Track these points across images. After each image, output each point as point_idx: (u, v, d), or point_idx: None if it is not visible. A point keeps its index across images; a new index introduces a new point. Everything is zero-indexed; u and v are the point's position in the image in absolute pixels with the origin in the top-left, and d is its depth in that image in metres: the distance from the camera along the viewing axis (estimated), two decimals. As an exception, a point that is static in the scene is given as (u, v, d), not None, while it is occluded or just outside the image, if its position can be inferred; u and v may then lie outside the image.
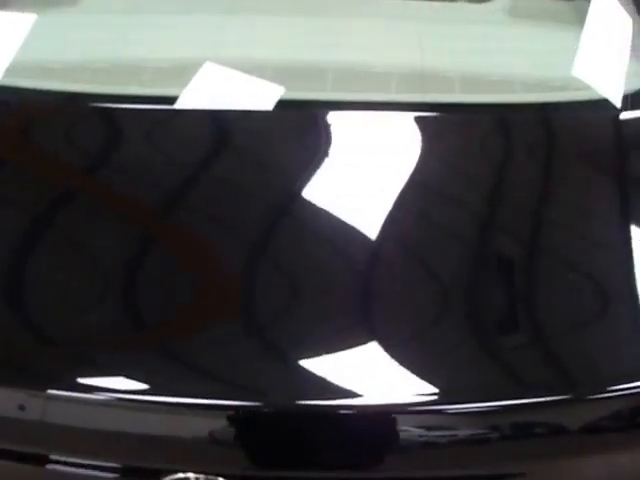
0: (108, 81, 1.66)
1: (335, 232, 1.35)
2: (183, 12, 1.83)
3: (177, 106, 1.54)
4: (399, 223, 1.37)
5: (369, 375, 1.14)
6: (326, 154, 1.49)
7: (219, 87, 1.59)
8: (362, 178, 1.47)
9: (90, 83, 1.65)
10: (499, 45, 1.81)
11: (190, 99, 1.55)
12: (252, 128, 1.53)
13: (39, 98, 1.60)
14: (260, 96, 1.56)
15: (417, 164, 1.48)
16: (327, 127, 1.55)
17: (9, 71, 1.63)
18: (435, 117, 1.58)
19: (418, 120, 1.56)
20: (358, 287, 1.29)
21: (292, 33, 1.79)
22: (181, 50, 1.72)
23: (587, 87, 1.65)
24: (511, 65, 1.75)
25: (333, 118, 1.55)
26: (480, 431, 1.14)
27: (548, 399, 1.14)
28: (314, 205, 1.38)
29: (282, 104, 1.55)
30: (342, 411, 1.12)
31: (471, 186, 1.46)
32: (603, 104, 1.61)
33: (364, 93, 1.66)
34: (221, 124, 1.56)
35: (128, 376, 1.13)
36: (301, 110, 1.57)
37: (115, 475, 1.14)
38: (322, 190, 1.41)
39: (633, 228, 1.39)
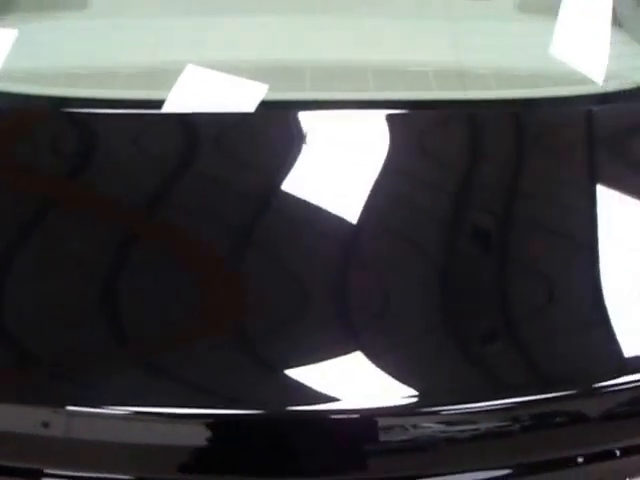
0: (107, 85, 1.65)
1: (335, 239, 1.35)
2: (183, 14, 1.82)
3: (169, 110, 1.53)
4: (423, 229, 1.38)
5: (361, 379, 1.14)
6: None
7: (230, 89, 1.58)
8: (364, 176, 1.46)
9: (87, 88, 1.64)
10: (510, 40, 1.80)
11: (183, 102, 1.54)
12: (298, 128, 1.52)
13: (29, 104, 1.59)
14: (296, 96, 1.59)
15: (438, 162, 1.49)
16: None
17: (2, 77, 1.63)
18: (453, 114, 1.58)
19: (435, 117, 1.57)
20: (345, 291, 1.28)
21: (300, 33, 1.78)
22: (184, 53, 1.71)
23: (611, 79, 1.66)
24: (527, 60, 1.74)
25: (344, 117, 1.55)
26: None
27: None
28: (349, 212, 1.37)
29: (321, 104, 1.56)
30: (336, 416, 1.11)
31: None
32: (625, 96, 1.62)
33: (378, 92, 1.65)
34: (249, 125, 1.54)
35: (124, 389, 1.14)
36: (342, 109, 1.57)
37: None
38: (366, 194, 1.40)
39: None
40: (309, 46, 1.72)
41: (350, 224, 1.35)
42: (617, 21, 1.82)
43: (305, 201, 1.38)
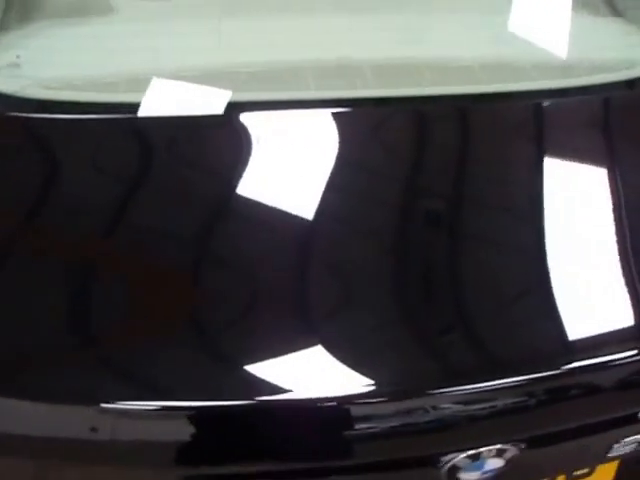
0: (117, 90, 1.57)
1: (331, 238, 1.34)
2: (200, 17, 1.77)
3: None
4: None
5: (325, 369, 1.16)
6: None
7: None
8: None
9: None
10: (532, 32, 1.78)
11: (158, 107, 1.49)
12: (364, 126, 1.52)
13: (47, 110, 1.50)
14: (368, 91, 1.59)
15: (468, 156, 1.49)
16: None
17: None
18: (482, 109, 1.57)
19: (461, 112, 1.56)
20: (313, 284, 1.28)
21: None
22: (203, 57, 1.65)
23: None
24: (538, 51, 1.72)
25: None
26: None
27: None
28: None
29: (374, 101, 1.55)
30: (302, 405, 1.13)
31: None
32: None
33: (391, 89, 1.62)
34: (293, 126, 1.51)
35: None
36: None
37: None
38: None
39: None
40: (367, 45, 1.70)
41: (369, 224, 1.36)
42: (618, 12, 1.83)
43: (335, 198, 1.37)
